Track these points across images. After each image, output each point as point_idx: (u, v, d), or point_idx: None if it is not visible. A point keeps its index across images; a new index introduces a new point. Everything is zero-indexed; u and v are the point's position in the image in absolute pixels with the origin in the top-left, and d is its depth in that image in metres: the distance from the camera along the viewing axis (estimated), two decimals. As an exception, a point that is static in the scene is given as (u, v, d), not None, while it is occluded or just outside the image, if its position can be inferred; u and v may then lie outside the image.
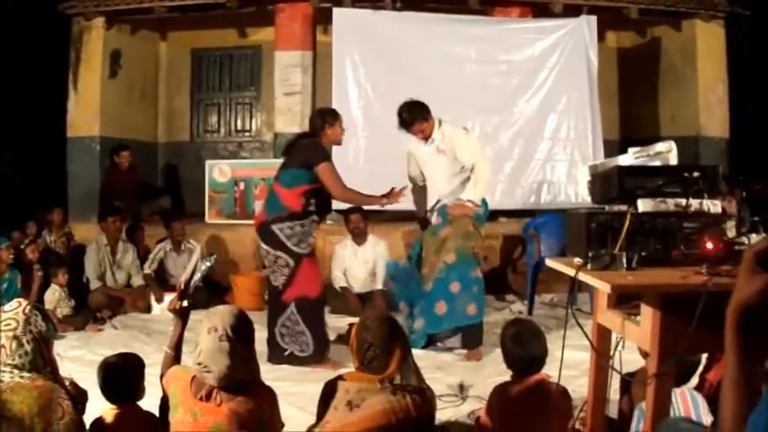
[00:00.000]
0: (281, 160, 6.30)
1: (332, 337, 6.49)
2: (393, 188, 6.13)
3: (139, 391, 3.45)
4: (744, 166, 11.01)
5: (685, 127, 11.32)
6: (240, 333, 2.92)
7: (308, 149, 6.06)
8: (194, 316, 3.50)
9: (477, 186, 6.33)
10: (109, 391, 3.41)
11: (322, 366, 5.93)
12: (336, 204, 8.71)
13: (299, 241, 5.96)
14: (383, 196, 6.14)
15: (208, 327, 2.91)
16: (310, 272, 6.06)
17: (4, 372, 2.85)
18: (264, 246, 6.08)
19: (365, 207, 7.74)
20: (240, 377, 2.88)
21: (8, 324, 2.91)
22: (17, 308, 2.98)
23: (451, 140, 6.34)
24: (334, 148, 9.48)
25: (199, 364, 2.88)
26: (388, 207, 6.44)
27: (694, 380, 3.94)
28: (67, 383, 3.16)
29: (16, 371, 2.86)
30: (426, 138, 6.39)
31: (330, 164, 6.00)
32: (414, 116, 6.33)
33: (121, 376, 3.42)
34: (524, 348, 3.73)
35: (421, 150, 6.51)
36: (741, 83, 11.43)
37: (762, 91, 11.57)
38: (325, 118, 6.17)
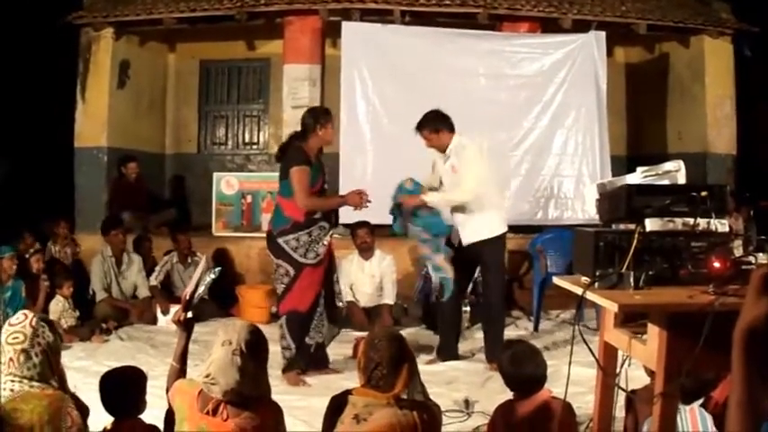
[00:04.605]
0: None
1: (337, 349, 6.51)
2: (353, 190, 6.16)
3: (140, 406, 3.42)
4: (751, 182, 11.02)
5: (693, 143, 11.32)
6: (254, 350, 2.88)
7: (289, 157, 6.00)
8: (200, 328, 3.49)
9: (448, 196, 6.36)
10: (109, 404, 3.40)
11: (285, 378, 5.89)
12: (344, 218, 8.72)
13: (306, 251, 5.91)
14: (343, 197, 6.20)
15: (222, 339, 2.88)
16: (309, 283, 5.97)
17: (14, 381, 2.86)
18: (269, 253, 6.11)
19: (366, 220, 7.87)
20: (247, 393, 2.87)
21: (16, 338, 2.91)
22: (24, 321, 2.98)
23: (460, 154, 6.32)
24: (342, 163, 9.59)
25: (207, 375, 2.86)
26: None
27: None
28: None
29: (26, 381, 2.87)
30: (442, 151, 6.38)
31: (301, 168, 5.87)
32: (426, 122, 6.31)
33: (121, 390, 3.41)
34: (522, 369, 3.70)
35: (439, 164, 6.50)
36: (748, 99, 11.43)
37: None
38: (317, 118, 6.05)
